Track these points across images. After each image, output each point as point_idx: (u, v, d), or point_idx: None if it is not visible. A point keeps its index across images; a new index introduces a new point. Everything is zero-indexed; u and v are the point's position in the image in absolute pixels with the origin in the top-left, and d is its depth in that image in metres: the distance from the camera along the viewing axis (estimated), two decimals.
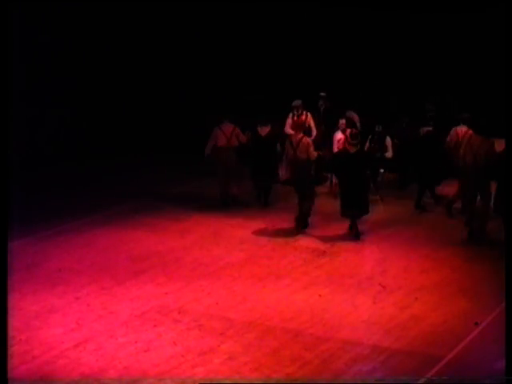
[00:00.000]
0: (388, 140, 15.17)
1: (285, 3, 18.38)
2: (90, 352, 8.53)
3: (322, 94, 16.76)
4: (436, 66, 17.44)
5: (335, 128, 15.47)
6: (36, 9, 17.14)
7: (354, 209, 12.75)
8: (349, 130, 13.49)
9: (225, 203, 14.67)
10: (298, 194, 13.24)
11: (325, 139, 15.93)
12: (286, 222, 13.27)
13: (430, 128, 14.56)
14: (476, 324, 9.19)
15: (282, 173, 14.10)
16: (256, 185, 15.06)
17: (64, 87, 18.04)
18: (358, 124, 15.73)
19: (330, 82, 17.40)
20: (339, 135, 15.30)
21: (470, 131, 13.47)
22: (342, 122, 15.48)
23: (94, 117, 18.68)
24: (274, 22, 18.56)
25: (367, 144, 15.15)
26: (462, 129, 14.16)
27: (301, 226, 13.07)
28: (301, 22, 18.55)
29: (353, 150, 12.75)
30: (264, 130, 15.10)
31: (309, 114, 15.40)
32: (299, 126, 14.16)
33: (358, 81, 17.78)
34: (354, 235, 12.63)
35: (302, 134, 13.49)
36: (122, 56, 18.96)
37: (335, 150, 15.22)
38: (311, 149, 13.25)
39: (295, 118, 15.06)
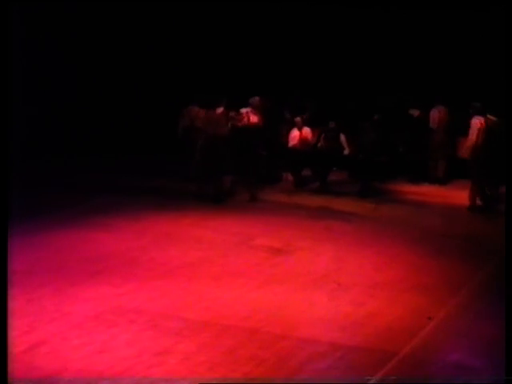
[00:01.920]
0: (342, 137, 15.26)
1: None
2: (43, 355, 8.38)
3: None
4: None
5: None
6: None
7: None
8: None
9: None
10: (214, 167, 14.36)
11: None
12: (242, 221, 13.29)
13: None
14: (429, 319, 9.29)
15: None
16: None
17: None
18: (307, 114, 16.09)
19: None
20: (295, 132, 15.46)
21: (492, 118, 14.04)
22: (298, 119, 15.61)
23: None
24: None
25: (320, 141, 15.31)
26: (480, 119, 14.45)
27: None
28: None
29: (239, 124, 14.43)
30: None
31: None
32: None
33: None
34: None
35: (214, 111, 14.39)
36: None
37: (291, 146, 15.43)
38: (225, 122, 14.30)
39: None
